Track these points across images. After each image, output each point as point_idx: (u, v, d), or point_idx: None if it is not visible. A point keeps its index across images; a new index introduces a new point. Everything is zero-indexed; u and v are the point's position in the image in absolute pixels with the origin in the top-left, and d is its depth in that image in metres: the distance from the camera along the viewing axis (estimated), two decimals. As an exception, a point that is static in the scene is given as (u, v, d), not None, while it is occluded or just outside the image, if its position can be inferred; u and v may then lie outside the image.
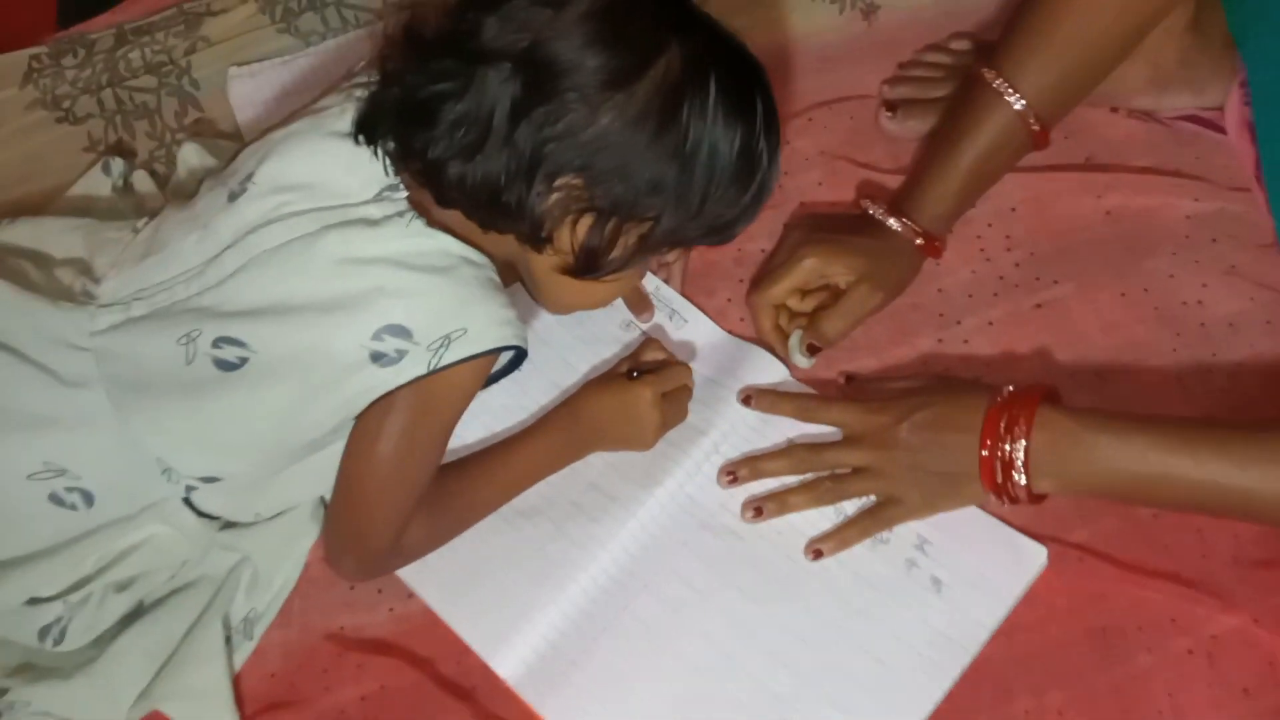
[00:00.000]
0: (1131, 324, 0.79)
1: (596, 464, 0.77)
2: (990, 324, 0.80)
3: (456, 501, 0.72)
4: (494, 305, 0.67)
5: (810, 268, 0.78)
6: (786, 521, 0.74)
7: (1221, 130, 0.86)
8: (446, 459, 0.72)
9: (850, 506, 0.74)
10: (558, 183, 0.62)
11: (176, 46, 0.95)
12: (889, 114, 0.88)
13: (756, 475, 0.75)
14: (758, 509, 0.74)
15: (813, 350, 0.78)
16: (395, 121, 0.64)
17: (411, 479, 0.67)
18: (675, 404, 0.76)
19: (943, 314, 0.81)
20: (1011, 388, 0.70)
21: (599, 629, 0.71)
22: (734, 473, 0.75)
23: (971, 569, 0.71)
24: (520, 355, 0.69)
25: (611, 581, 0.73)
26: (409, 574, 0.73)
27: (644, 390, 0.74)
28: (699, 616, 0.71)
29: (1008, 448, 0.68)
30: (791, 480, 0.75)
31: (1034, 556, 0.71)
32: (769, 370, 0.80)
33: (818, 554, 0.72)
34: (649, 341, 0.79)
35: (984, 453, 0.69)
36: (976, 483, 0.70)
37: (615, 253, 0.65)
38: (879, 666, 0.68)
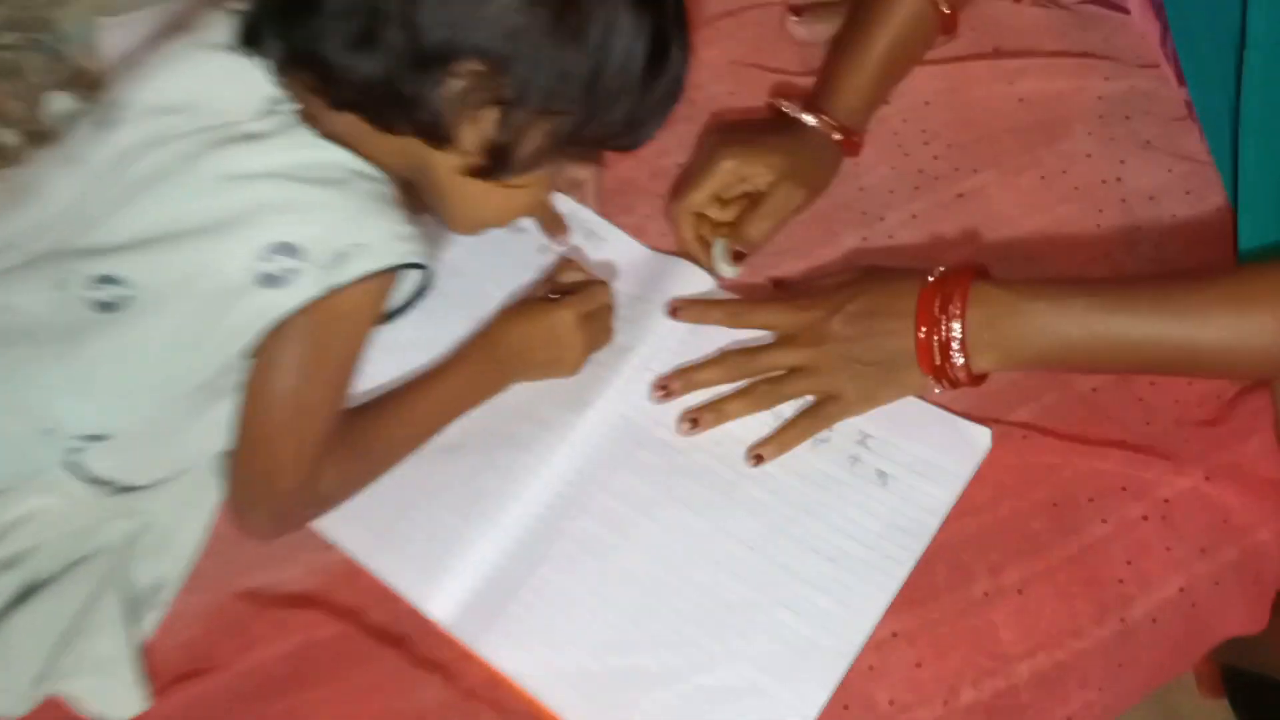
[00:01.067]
0: (1054, 205, 0.78)
1: (523, 392, 0.73)
2: (914, 217, 0.78)
3: (371, 443, 0.67)
4: (392, 220, 0.62)
5: (729, 170, 0.75)
6: (725, 430, 0.71)
7: (1125, 10, 0.85)
8: (359, 400, 0.68)
9: (789, 409, 0.71)
10: (457, 69, 0.58)
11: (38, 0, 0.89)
12: (795, 18, 0.86)
13: (690, 387, 0.72)
14: (694, 420, 0.71)
15: (738, 257, 0.76)
16: (279, 19, 0.60)
17: (316, 414, 0.63)
18: (598, 324, 0.73)
19: (865, 211, 0.79)
20: (943, 269, 0.68)
21: (535, 559, 0.68)
22: (666, 386, 0.72)
23: (916, 459, 0.68)
24: (425, 283, 0.65)
25: (546, 509, 0.69)
26: (326, 524, 0.68)
27: (564, 312, 0.71)
28: (641, 535, 0.68)
29: (943, 328, 0.66)
30: (726, 389, 0.72)
31: (978, 439, 0.69)
32: (694, 282, 0.77)
33: (759, 459, 0.69)
34: (565, 261, 0.75)
35: (920, 335, 0.67)
36: (914, 369, 0.68)
37: (523, 150, 0.61)
38: (831, 565, 0.66)
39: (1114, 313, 0.63)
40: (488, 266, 0.77)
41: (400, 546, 0.68)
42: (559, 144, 0.62)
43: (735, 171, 0.75)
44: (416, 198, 0.67)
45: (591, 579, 0.67)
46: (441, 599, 0.66)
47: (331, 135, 0.62)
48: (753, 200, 0.77)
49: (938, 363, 0.67)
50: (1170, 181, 0.78)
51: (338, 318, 0.62)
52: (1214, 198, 0.77)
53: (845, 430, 0.70)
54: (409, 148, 0.62)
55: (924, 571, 0.65)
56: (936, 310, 0.66)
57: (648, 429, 0.72)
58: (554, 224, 0.78)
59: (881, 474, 0.69)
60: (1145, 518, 0.65)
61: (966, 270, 0.67)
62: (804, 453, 0.70)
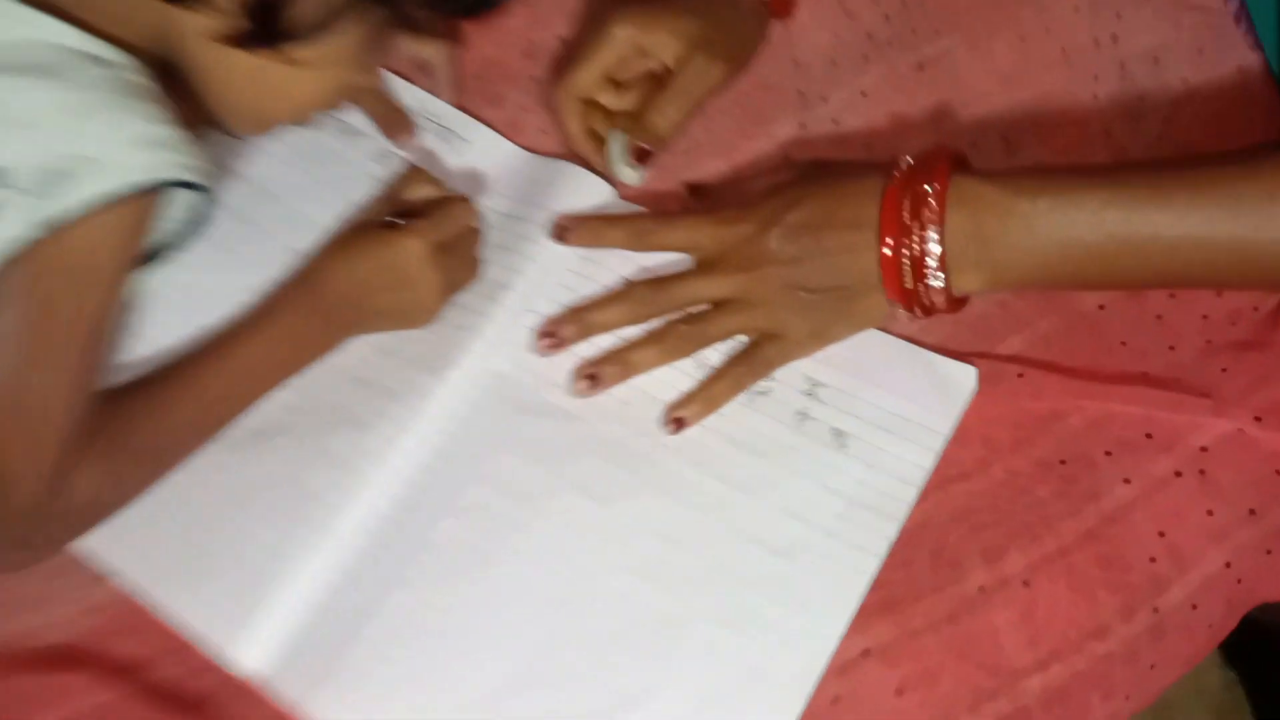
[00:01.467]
0: (1037, 74, 0.61)
1: (360, 349, 0.55)
2: (863, 95, 0.61)
3: (146, 433, 0.49)
4: (137, 119, 0.43)
5: (624, 40, 0.56)
6: (634, 388, 0.54)
7: None
8: (132, 371, 0.50)
9: (715, 356, 0.55)
10: None
11: None
12: None
13: (587, 332, 0.55)
14: (592, 376, 0.54)
15: (641, 156, 0.58)
16: None
17: (51, 400, 0.44)
18: (459, 256, 0.55)
19: (802, 91, 0.61)
20: (910, 159, 0.51)
21: (385, 581, 0.50)
22: (555, 333, 0.55)
23: (882, 411, 0.52)
24: (203, 209, 0.46)
25: (398, 509, 0.52)
26: (100, 546, 0.50)
27: (412, 241, 0.52)
28: (528, 536, 0.51)
29: (916, 238, 0.49)
30: (633, 333, 0.55)
31: (960, 381, 0.53)
32: (588, 191, 0.59)
33: (679, 424, 0.53)
34: (413, 172, 0.56)
35: (886, 251, 0.50)
36: (877, 294, 0.52)
37: (301, 5, 0.42)
38: (779, 561, 0.50)
39: (1140, 208, 0.48)
40: (309, 182, 0.59)
41: (199, 576, 0.50)
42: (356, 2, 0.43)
43: (632, 41, 0.57)
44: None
45: (464, 602, 0.50)
46: (254, 647, 0.49)
47: (43, 3, 0.42)
48: (657, 81, 0.59)
49: (909, 285, 0.50)
50: (1178, 38, 0.62)
51: (66, 265, 0.43)
52: (1232, 56, 0.61)
53: (789, 378, 0.54)
54: (149, 10, 0.43)
55: (900, 564, 0.49)
56: (906, 216, 0.50)
57: (533, 389, 0.55)
58: (393, 121, 0.59)
59: (838, 434, 0.53)
60: (1178, 474, 0.50)
61: (941, 160, 0.51)
62: (738, 411, 0.53)
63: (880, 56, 0.62)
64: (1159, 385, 0.52)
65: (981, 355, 0.53)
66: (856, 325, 0.54)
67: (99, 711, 0.47)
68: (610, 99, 0.59)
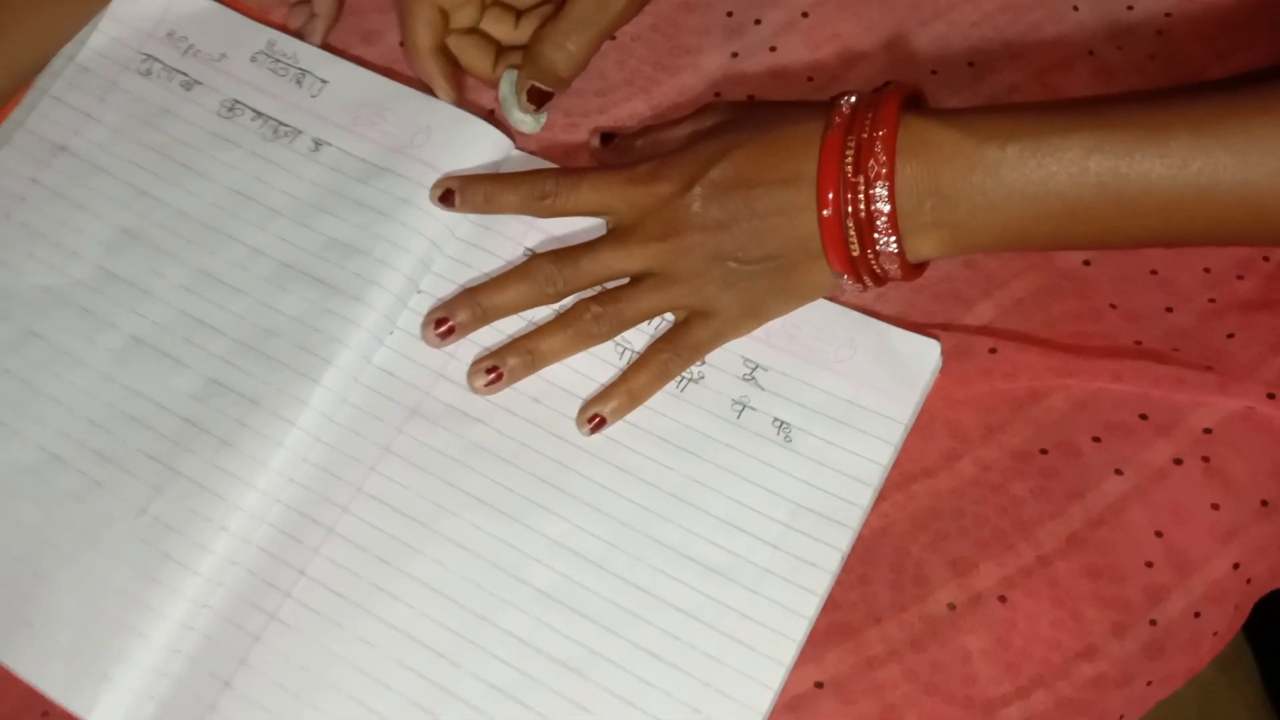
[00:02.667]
0: (1007, -20, 0.53)
1: (217, 346, 0.47)
2: (805, 15, 0.52)
3: None
4: None
5: None
6: (544, 381, 0.46)
7: None
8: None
9: (640, 340, 0.47)
10: None
11: None
12: None
13: (483, 318, 0.47)
14: (494, 370, 0.46)
15: (537, 98, 0.49)
16: None
17: None
18: None
19: (731, 13, 0.52)
20: (853, 97, 0.43)
21: (257, 623, 0.43)
22: (447, 318, 0.47)
23: (831, 396, 0.45)
24: None
25: (269, 538, 0.44)
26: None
27: None
28: (423, 563, 0.44)
29: (862, 196, 0.41)
30: (540, 316, 0.47)
31: (921, 358, 0.45)
32: (482, 143, 0.49)
33: (598, 422, 0.45)
34: None
35: (825, 211, 0.42)
36: (819, 262, 0.43)
37: None
38: (717, 580, 0.42)
39: (1132, 155, 0.39)
40: (140, 152, 0.49)
41: (44, 631, 0.43)
42: None
43: None
44: None
45: (349, 644, 0.43)
46: (115, 705, 0.42)
47: None
48: (555, 5, 0.49)
49: (855, 252, 0.42)
50: (1171, -67, 0.53)
51: None
52: (1235, -48, 0.52)
53: (724, 361, 0.46)
54: None
55: (856, 580, 0.42)
56: (849, 168, 0.41)
57: (425, 387, 0.46)
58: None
59: (781, 425, 0.45)
60: (1179, 462, 0.43)
61: (890, 98, 0.42)
62: (666, 403, 0.45)
63: (823, -27, 0.53)
64: (1155, 358, 0.44)
65: (946, 327, 0.46)
66: (797, 299, 0.45)
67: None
68: (495, 25, 0.50)
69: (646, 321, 0.46)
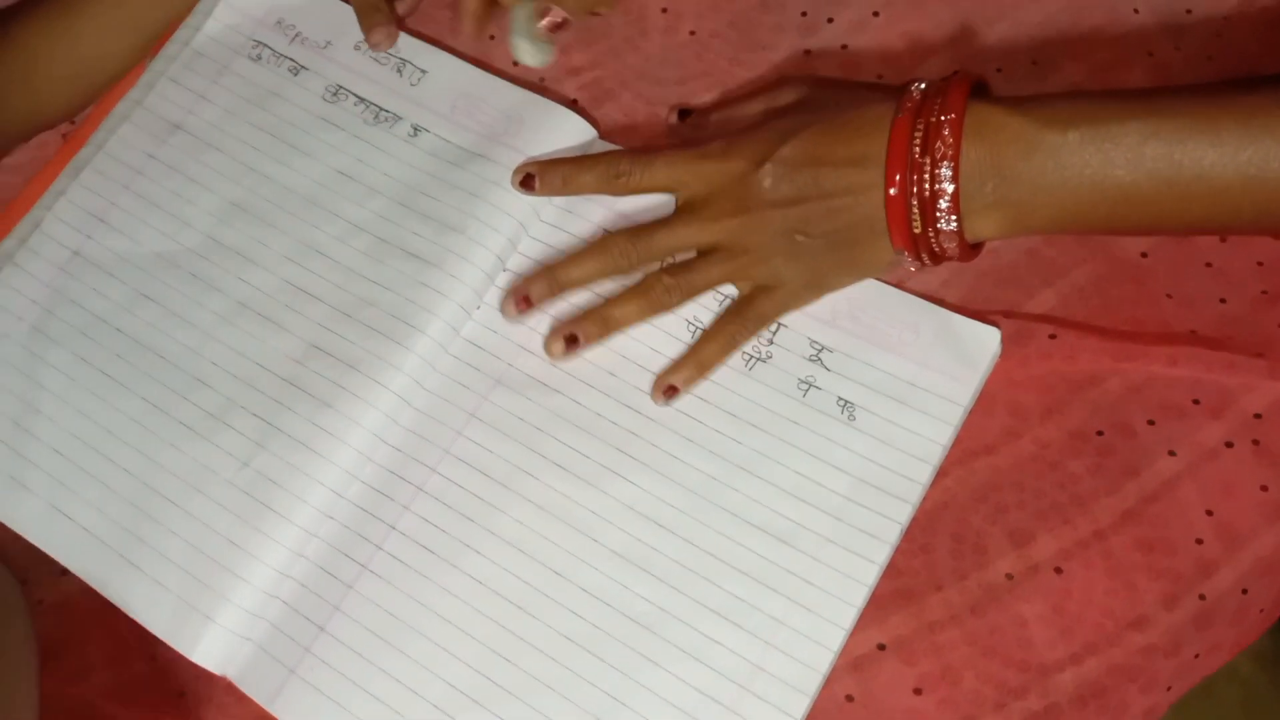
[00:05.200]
0: (1069, -17, 0.55)
1: (317, 314, 0.50)
2: (875, 14, 0.54)
3: None
4: None
5: None
6: (619, 355, 0.49)
7: None
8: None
9: (705, 315, 0.49)
10: None
11: None
12: None
13: (558, 289, 0.49)
14: (571, 337, 0.48)
15: (554, 27, 0.50)
16: None
17: None
18: None
19: (805, 12, 0.55)
20: (923, 84, 0.45)
21: (350, 572, 0.46)
22: (527, 294, 0.49)
23: (893, 378, 0.47)
24: None
25: (363, 493, 0.47)
26: (52, 541, 0.46)
27: None
28: (505, 521, 0.46)
29: (927, 176, 0.43)
30: (614, 288, 0.50)
31: (982, 344, 0.47)
32: (567, 131, 0.52)
33: (670, 392, 0.48)
34: None
35: (892, 190, 0.44)
36: (882, 240, 0.46)
37: None
38: (782, 547, 0.45)
39: (1185, 143, 0.41)
40: (248, 131, 0.53)
41: (152, 572, 0.46)
42: None
43: None
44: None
45: (436, 594, 0.45)
46: (216, 647, 0.45)
47: None
48: None
49: (918, 230, 0.45)
50: (1231, -60, 0.55)
51: None
52: (1294, -41, 0.54)
53: (792, 342, 0.48)
54: None
55: (918, 549, 0.45)
56: (917, 150, 0.44)
57: (509, 358, 0.49)
58: (371, 13, 0.53)
59: (845, 404, 0.47)
60: (1229, 444, 0.45)
61: (959, 86, 0.44)
62: (735, 380, 0.48)
63: (893, -28, 0.55)
64: (1208, 344, 0.46)
65: (1008, 314, 0.48)
66: (858, 274, 0.48)
67: (66, 704, 0.43)
68: None
69: (712, 295, 0.49)
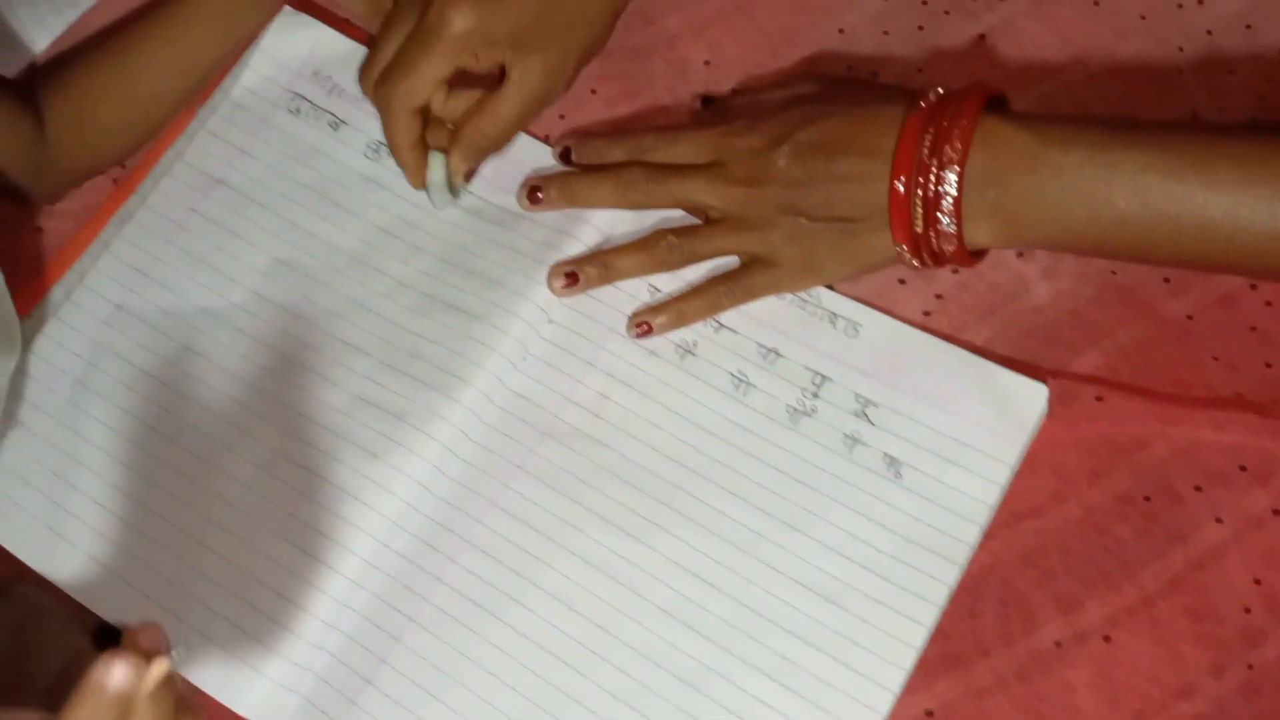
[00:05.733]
0: (1111, 42, 0.55)
1: (364, 367, 0.50)
2: (919, 71, 0.55)
3: None
4: None
5: (461, 37, 0.48)
6: (664, 407, 0.49)
7: None
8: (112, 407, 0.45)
9: (751, 370, 0.49)
10: None
11: None
12: None
13: (608, 277, 0.51)
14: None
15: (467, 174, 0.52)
16: None
17: None
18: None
19: (851, 66, 0.55)
20: (941, 89, 0.46)
21: (398, 625, 0.46)
22: (575, 273, 0.50)
23: (939, 434, 0.47)
24: None
25: (411, 545, 0.47)
26: (96, 594, 0.47)
27: None
28: (550, 574, 0.46)
29: (933, 178, 0.44)
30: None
31: (1030, 400, 0.47)
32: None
33: (645, 330, 0.50)
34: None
35: (898, 184, 0.45)
36: (883, 233, 0.47)
37: None
38: (828, 606, 0.45)
39: (1183, 179, 0.42)
40: (292, 187, 0.53)
41: (199, 622, 0.46)
42: None
43: (471, 36, 0.49)
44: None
45: (482, 647, 0.46)
46: (263, 701, 0.45)
47: None
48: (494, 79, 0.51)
49: (918, 228, 0.45)
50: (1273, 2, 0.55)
51: None
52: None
53: (834, 395, 0.49)
54: None
55: (966, 613, 0.45)
56: (925, 151, 0.45)
57: (554, 412, 0.50)
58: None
59: (892, 461, 0.47)
60: (1277, 512, 0.45)
61: (975, 96, 0.45)
62: (778, 434, 0.48)
63: (936, 26, 0.56)
64: (1255, 410, 0.46)
65: (1054, 374, 0.48)
66: (855, 265, 0.49)
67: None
68: (438, 105, 0.51)
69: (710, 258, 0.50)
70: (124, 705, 0.29)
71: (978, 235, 0.46)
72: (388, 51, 0.50)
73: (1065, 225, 0.45)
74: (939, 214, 0.45)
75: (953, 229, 0.45)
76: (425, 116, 0.51)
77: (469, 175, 0.52)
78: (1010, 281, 0.50)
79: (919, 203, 0.45)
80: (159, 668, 0.30)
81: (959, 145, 0.44)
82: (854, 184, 0.46)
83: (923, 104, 0.46)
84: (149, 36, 0.53)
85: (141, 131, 0.55)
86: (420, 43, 0.49)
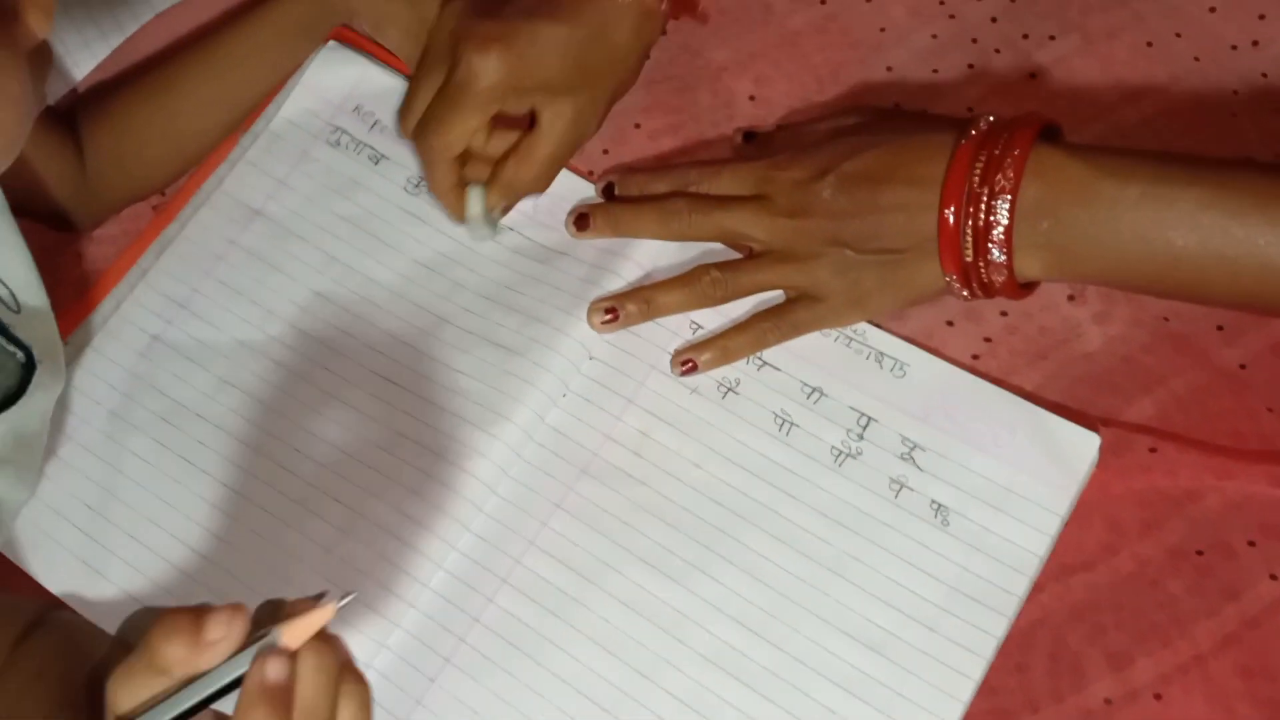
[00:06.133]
0: (1165, 83, 0.54)
1: (404, 402, 0.49)
2: (969, 109, 0.54)
3: None
4: None
5: (494, 88, 0.48)
6: (704, 446, 0.48)
7: None
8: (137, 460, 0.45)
9: (795, 408, 0.48)
10: None
11: None
12: None
13: (649, 313, 0.50)
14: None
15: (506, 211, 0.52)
16: None
17: None
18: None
19: (899, 103, 0.54)
20: (992, 117, 0.45)
21: (433, 664, 0.46)
22: (615, 308, 0.50)
23: (987, 481, 0.46)
24: None
25: (448, 584, 0.47)
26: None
27: None
28: (589, 617, 0.46)
29: (984, 207, 0.43)
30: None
31: (1081, 449, 0.46)
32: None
33: (690, 367, 0.49)
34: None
35: (948, 214, 0.44)
36: (932, 264, 0.46)
37: None
38: (872, 656, 0.44)
39: (1242, 216, 0.41)
40: (332, 220, 0.53)
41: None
42: None
43: (501, 87, 0.49)
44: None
45: (517, 690, 0.45)
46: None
47: None
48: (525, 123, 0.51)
49: (969, 259, 0.45)
50: (1330, 42, 0.54)
51: None
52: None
53: (881, 438, 0.48)
54: None
55: (1013, 666, 0.44)
56: (976, 180, 0.44)
57: (593, 450, 0.49)
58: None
59: (939, 508, 0.47)
60: (1334, 569, 0.44)
61: (1028, 125, 0.44)
62: (824, 477, 0.47)
63: (986, 64, 0.55)
64: (1313, 463, 0.46)
65: (1106, 422, 0.47)
66: (902, 297, 0.48)
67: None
68: (478, 145, 0.51)
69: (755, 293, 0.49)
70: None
71: (1028, 267, 0.45)
72: (421, 101, 0.50)
73: (1119, 261, 0.44)
74: (989, 244, 0.44)
75: (1003, 259, 0.44)
76: (465, 158, 0.51)
77: (506, 209, 0.52)
78: (1061, 326, 0.49)
79: (969, 232, 0.44)
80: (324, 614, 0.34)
81: (1011, 174, 0.43)
82: (901, 214, 0.46)
83: (973, 132, 0.45)
84: (193, 71, 0.53)
85: (182, 163, 0.55)
86: (451, 98, 0.49)
